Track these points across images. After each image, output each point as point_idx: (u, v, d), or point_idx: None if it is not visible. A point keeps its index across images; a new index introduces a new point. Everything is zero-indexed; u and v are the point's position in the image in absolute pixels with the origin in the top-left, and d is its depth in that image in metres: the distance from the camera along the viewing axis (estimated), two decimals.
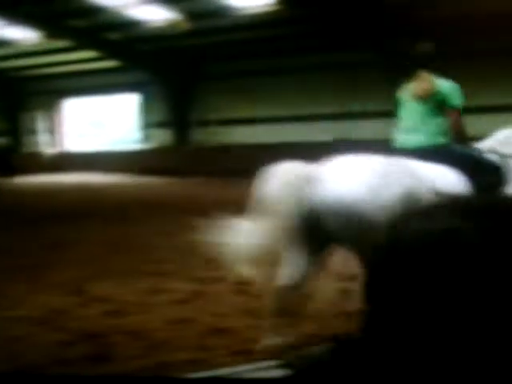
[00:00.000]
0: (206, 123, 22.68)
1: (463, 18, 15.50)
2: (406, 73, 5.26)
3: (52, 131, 28.96)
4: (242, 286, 6.07)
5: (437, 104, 5.02)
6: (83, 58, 23.07)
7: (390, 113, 20.10)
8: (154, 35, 19.24)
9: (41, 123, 28.79)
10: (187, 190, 16.00)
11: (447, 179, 4.44)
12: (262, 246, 4.16)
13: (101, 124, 28.50)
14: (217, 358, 4.14)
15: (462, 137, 5.11)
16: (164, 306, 5.54)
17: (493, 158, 4.96)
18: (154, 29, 18.28)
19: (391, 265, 0.87)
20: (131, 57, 22.40)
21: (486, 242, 0.80)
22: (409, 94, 5.19)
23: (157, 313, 5.32)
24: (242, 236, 4.27)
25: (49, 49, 22.08)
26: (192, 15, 15.83)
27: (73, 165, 25.68)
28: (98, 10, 17.51)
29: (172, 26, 16.09)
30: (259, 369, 3.74)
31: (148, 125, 25.03)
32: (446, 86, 5.06)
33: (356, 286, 5.74)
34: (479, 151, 5.07)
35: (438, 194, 4.01)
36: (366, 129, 20.11)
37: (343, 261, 6.91)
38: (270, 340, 4.12)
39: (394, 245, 0.89)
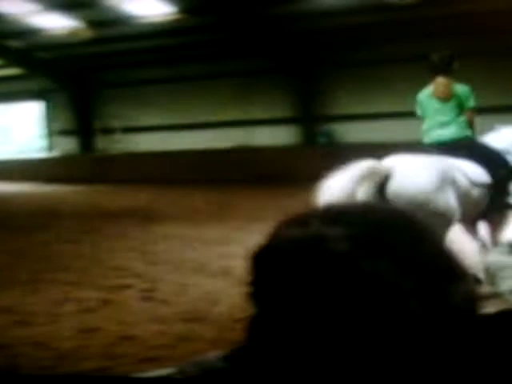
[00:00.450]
0: (109, 131, 22.34)
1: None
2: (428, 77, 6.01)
3: None
4: (149, 293, 6.07)
5: (457, 104, 5.77)
6: None
7: (288, 119, 20.59)
8: (56, 43, 18.77)
9: None
10: (93, 198, 15.69)
11: (478, 173, 5.34)
12: None
13: (5, 132, 27.52)
14: (123, 366, 4.10)
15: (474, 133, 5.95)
16: (71, 316, 5.43)
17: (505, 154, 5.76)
18: (55, 37, 17.83)
19: (265, 271, 0.87)
20: (33, 64, 21.78)
21: (352, 250, 0.80)
22: (430, 95, 5.91)
23: (64, 322, 5.22)
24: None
25: None
26: (93, 23, 15.61)
27: None
28: None
29: (73, 33, 15.81)
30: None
31: (52, 133, 24.36)
32: (462, 89, 5.85)
33: None
34: (495, 148, 5.79)
35: (475, 185, 5.23)
36: (265, 135, 20.39)
37: (247, 265, 7.04)
38: None
39: (268, 251, 0.89)
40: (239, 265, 7.21)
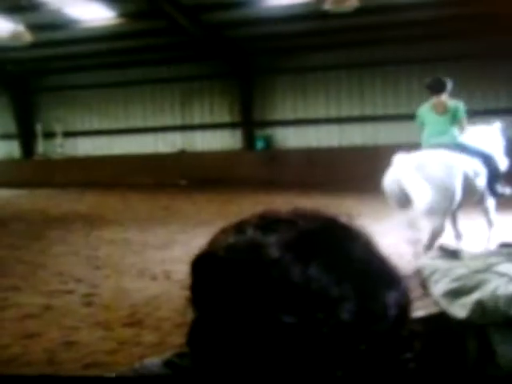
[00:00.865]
0: (50, 135, 21.94)
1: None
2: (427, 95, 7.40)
3: None
4: (90, 298, 6.03)
5: (450, 117, 7.01)
6: None
7: (227, 124, 20.67)
8: None
9: None
10: (35, 203, 15.39)
11: (477, 165, 6.59)
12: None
13: None
14: (66, 371, 4.09)
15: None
16: (12, 321, 5.35)
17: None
18: None
19: (202, 277, 0.89)
20: None
21: (283, 257, 0.81)
22: (429, 110, 7.21)
23: (5, 328, 5.13)
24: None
25: None
26: (35, 27, 15.30)
27: None
28: None
29: (15, 37, 15.47)
30: None
31: None
32: (455, 104, 7.11)
33: None
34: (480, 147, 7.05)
35: (476, 173, 6.51)
36: (206, 140, 20.44)
37: (188, 269, 7.09)
38: None
39: (206, 257, 0.90)
40: (180, 269, 7.26)
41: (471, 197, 6.68)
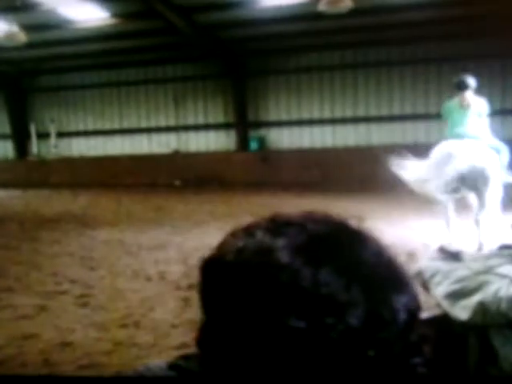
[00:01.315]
0: (44, 135, 21.87)
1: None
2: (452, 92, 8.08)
3: None
4: (85, 299, 6.01)
5: (474, 112, 7.65)
6: None
7: (221, 125, 20.66)
8: None
9: None
10: (29, 204, 15.33)
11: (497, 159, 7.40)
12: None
13: None
14: (62, 372, 4.07)
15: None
16: (8, 322, 5.33)
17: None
18: None
19: (212, 280, 0.88)
20: None
21: (293, 261, 0.80)
22: (455, 105, 7.78)
23: (0, 329, 5.14)
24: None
25: None
26: (29, 27, 15.25)
27: None
28: None
29: (9, 37, 15.41)
30: None
31: None
32: (479, 101, 7.78)
33: (195, 295, 5.91)
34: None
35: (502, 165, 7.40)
36: (199, 140, 20.43)
37: (183, 270, 7.08)
38: None
39: (215, 261, 0.89)
40: (175, 270, 7.26)
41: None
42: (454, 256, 2.22)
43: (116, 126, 21.38)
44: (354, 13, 12.36)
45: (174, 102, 20.42)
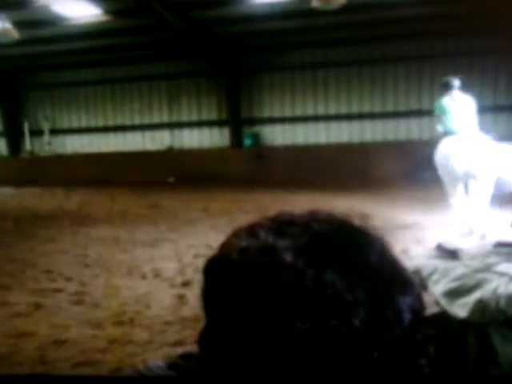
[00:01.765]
0: (38, 133, 21.79)
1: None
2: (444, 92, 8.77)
3: None
4: (80, 296, 6.00)
5: (464, 107, 8.42)
6: None
7: (215, 122, 20.63)
8: None
9: None
10: (24, 201, 15.28)
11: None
12: None
13: None
14: (58, 370, 4.07)
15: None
16: (2, 320, 5.32)
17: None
18: None
19: (215, 281, 0.87)
20: None
21: (297, 262, 0.79)
22: (448, 102, 8.52)
23: None
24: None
25: None
26: (22, 24, 15.17)
27: None
28: None
29: (1, 34, 15.34)
30: None
31: None
32: (467, 98, 8.57)
33: (190, 292, 5.92)
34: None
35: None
36: (193, 137, 20.41)
37: (178, 267, 7.08)
38: None
39: (218, 262, 0.88)
40: (170, 267, 7.26)
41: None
42: (451, 254, 2.21)
43: (110, 123, 21.32)
44: (346, 9, 12.35)
45: (169, 99, 20.37)
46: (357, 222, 0.90)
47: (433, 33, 16.15)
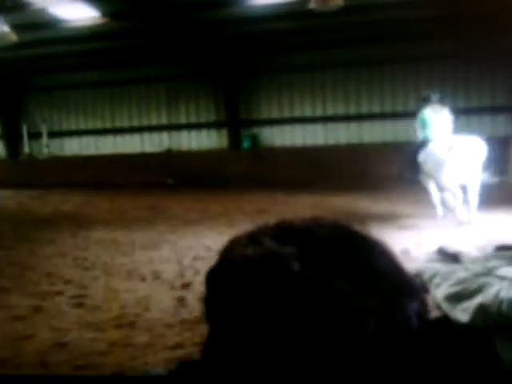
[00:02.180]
0: (36, 135, 21.75)
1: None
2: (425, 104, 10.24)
3: None
4: (80, 299, 6.00)
5: (443, 118, 9.99)
6: None
7: (213, 124, 20.57)
8: None
9: None
10: (23, 204, 15.26)
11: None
12: None
13: None
14: (58, 373, 4.07)
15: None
16: (2, 323, 5.32)
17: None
18: None
19: (220, 290, 0.84)
20: None
21: (306, 270, 0.77)
22: (429, 113, 10.03)
23: None
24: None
25: None
26: (20, 27, 15.16)
27: None
28: None
29: (0, 37, 15.34)
30: None
31: None
32: (445, 109, 10.12)
33: (189, 295, 5.91)
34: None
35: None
36: (192, 139, 20.40)
37: (177, 269, 7.07)
38: None
39: (223, 270, 0.85)
40: (169, 269, 7.25)
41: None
42: (452, 257, 2.20)
43: (108, 125, 21.29)
44: (344, 11, 12.34)
45: (167, 101, 20.35)
46: (357, 224, 0.89)
47: (432, 34, 16.13)
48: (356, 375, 0.77)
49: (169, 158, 19.85)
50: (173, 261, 7.52)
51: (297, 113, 19.01)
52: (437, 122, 9.96)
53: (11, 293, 6.35)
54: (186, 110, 20.28)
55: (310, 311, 0.76)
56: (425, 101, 10.31)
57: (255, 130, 19.49)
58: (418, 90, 17.26)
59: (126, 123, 21.04)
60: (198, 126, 20.21)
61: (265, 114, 19.37)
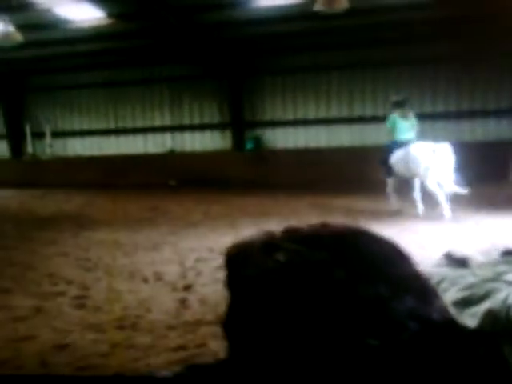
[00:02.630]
0: (40, 135, 21.77)
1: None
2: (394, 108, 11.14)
3: None
4: (82, 300, 5.97)
5: (411, 121, 10.97)
6: None
7: (217, 125, 20.59)
8: None
9: None
10: (25, 204, 15.26)
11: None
12: None
13: None
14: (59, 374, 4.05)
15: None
16: (3, 324, 5.29)
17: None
18: None
19: (254, 295, 0.81)
20: None
21: (349, 276, 0.76)
22: (398, 117, 10.89)
23: None
24: None
25: None
26: (25, 27, 15.17)
27: None
28: None
29: (4, 37, 15.34)
30: None
31: None
32: (412, 114, 11.10)
33: (192, 296, 5.89)
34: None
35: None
36: (195, 140, 20.40)
37: (179, 270, 7.05)
38: None
39: (254, 281, 0.82)
40: (171, 270, 7.22)
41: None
42: (460, 262, 2.19)
43: (111, 125, 21.31)
44: (350, 13, 12.33)
45: (171, 102, 20.36)
46: (364, 227, 0.89)
47: (436, 36, 16.11)
48: (397, 379, 0.75)
49: (172, 159, 19.84)
50: (175, 262, 7.49)
51: (300, 115, 19.01)
52: (405, 125, 10.89)
53: (12, 293, 6.33)
54: (189, 111, 20.29)
55: (353, 318, 0.74)
56: (394, 105, 11.21)
57: (259, 132, 19.48)
58: (423, 92, 17.26)
59: (129, 124, 21.05)
60: (201, 127, 20.22)
61: (268, 115, 19.37)
